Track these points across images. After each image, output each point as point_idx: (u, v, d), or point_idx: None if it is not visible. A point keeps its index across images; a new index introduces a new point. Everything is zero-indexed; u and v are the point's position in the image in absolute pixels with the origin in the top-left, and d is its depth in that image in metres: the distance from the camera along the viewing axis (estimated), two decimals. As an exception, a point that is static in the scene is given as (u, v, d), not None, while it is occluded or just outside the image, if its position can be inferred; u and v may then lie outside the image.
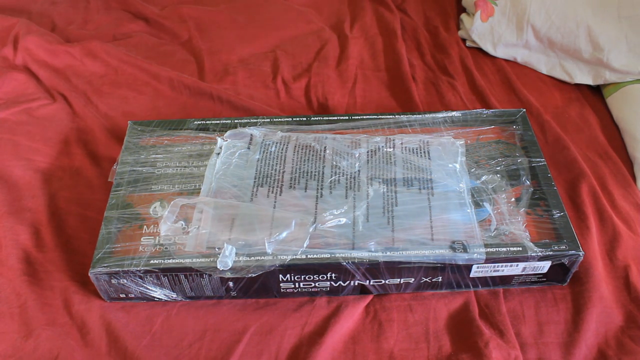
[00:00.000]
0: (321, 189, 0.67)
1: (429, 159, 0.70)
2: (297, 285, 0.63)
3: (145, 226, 0.64)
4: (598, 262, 0.67)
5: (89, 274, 0.61)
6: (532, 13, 0.94)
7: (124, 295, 0.64)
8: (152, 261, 0.61)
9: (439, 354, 0.61)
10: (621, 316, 0.64)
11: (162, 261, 0.61)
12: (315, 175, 0.69)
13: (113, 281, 0.61)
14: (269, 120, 0.77)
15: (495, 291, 0.66)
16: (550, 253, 0.61)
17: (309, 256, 0.61)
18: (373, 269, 0.61)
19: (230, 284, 0.62)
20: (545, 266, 0.63)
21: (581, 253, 0.62)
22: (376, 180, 0.68)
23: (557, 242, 0.62)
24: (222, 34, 1.05)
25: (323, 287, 0.64)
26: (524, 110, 0.78)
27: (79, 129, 0.85)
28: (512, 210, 0.66)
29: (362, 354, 0.61)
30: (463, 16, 1.04)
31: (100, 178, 0.78)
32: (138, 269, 0.60)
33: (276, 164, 0.70)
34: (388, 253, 0.61)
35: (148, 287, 0.62)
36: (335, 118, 0.77)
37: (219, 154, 0.71)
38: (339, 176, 0.68)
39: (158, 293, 0.63)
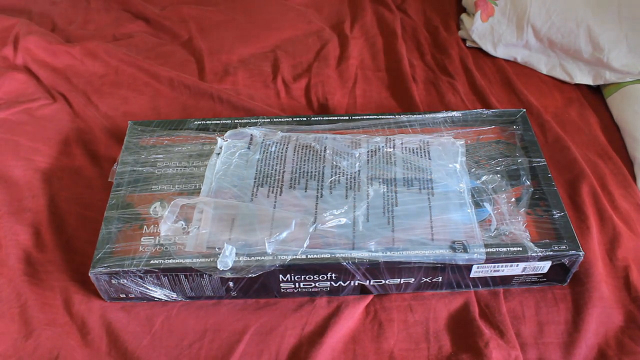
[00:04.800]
0: (321, 189, 0.67)
1: (429, 159, 0.70)
2: (297, 285, 0.63)
3: (145, 226, 0.64)
4: (598, 262, 0.67)
5: (89, 274, 0.61)
6: (532, 13, 0.94)
7: (124, 295, 0.64)
8: (152, 261, 0.61)
9: (439, 354, 0.61)
10: (621, 316, 0.64)
11: (162, 261, 0.61)
12: (315, 175, 0.68)
13: (113, 281, 0.61)
14: (269, 120, 0.77)
15: (496, 291, 0.66)
16: (551, 253, 0.61)
17: (309, 256, 0.61)
18: (373, 269, 0.61)
19: (231, 284, 0.62)
20: (545, 266, 0.63)
21: (581, 253, 0.62)
22: (376, 180, 0.68)
23: (557, 242, 0.62)
24: (222, 34, 1.04)
25: (323, 287, 0.64)
26: (524, 110, 0.78)
27: (79, 129, 0.85)
28: (512, 211, 0.66)
29: (362, 354, 0.61)
30: (463, 16, 1.04)
31: (100, 178, 0.78)
32: (138, 269, 0.60)
33: (276, 164, 0.70)
34: (388, 253, 0.61)
35: (148, 287, 0.62)
36: (336, 118, 0.77)
37: (219, 154, 0.71)
38: (339, 176, 0.68)
39: (158, 293, 0.63)
